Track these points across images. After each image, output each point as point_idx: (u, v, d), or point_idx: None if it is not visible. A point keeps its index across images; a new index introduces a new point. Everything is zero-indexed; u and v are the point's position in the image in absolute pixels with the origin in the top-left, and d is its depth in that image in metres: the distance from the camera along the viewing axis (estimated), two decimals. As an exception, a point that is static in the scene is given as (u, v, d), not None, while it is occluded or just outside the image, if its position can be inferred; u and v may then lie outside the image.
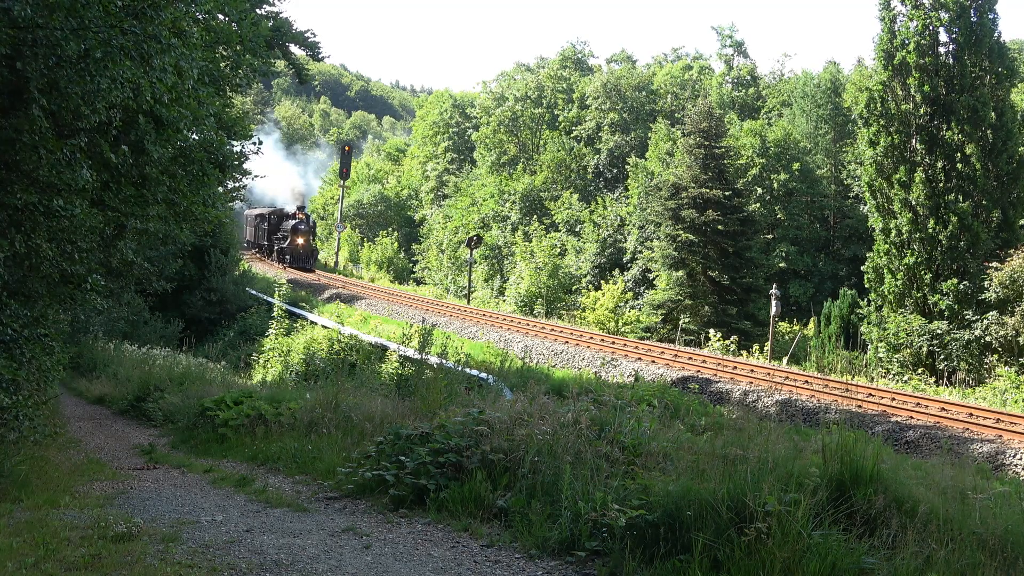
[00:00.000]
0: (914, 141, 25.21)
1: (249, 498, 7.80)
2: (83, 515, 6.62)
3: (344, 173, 59.58)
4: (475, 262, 45.44)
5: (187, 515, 6.92)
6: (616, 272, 39.72)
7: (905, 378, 22.55)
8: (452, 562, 5.56)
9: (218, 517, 6.87)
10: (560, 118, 57.67)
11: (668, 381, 17.29)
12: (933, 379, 22.99)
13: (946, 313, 23.74)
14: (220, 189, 13.36)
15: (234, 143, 13.89)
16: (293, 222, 49.58)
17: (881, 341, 24.65)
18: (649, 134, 46.83)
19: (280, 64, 23.82)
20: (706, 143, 36.04)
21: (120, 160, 8.07)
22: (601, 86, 54.37)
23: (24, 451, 8.66)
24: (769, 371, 18.69)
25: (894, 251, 25.13)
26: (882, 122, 25.36)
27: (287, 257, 48.71)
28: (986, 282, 23.29)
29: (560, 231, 45.99)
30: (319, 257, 54.79)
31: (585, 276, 41.33)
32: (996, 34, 25.00)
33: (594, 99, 54.59)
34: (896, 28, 25.48)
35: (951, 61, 24.96)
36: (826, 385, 16.68)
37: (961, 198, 23.99)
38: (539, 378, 15.43)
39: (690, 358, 20.61)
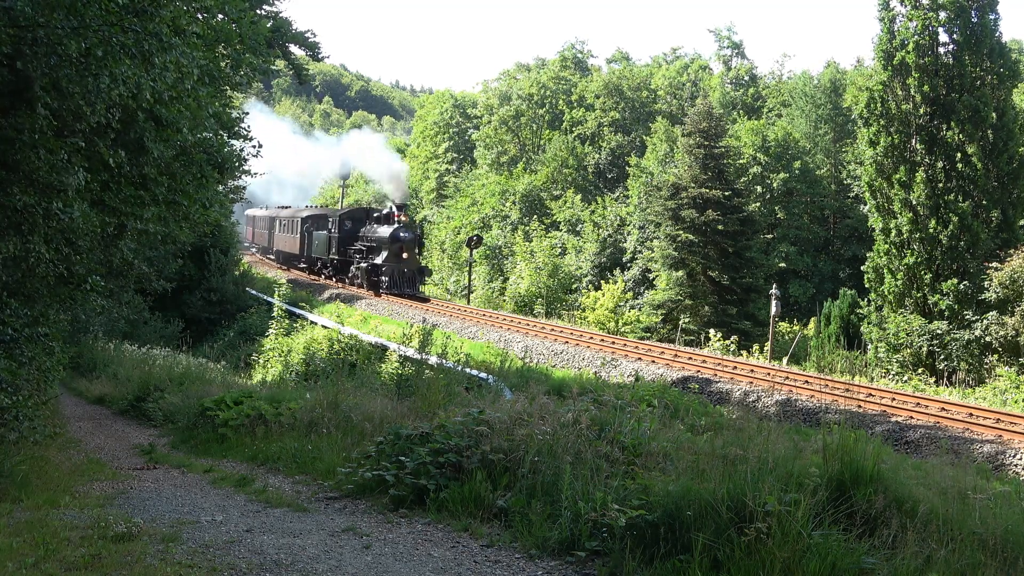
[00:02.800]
0: (914, 141, 25.20)
1: (249, 498, 7.80)
2: (83, 515, 6.62)
3: (344, 174, 59.80)
4: (475, 262, 45.40)
5: (187, 515, 6.92)
6: (616, 272, 39.73)
7: (905, 378, 22.54)
8: (452, 562, 5.56)
9: (218, 517, 6.87)
10: (565, 117, 57.63)
11: (668, 381, 17.29)
12: (933, 379, 22.98)
13: (946, 313, 23.73)
14: (220, 189, 13.36)
15: (234, 142, 13.90)
16: (391, 228, 33.31)
17: (881, 341, 24.65)
18: (648, 134, 46.86)
19: (280, 64, 23.81)
20: (706, 143, 36.06)
21: (118, 161, 8.07)
22: (603, 85, 54.42)
23: (24, 451, 8.67)
24: (769, 371, 18.68)
25: (894, 251, 25.13)
26: (882, 122, 25.36)
27: (383, 278, 33.15)
28: (986, 282, 23.29)
29: (561, 231, 45.98)
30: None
31: (585, 276, 41.33)
32: (997, 34, 24.99)
33: (595, 98, 54.62)
34: (895, 28, 25.48)
35: (951, 61, 24.97)
36: (826, 385, 16.68)
37: (961, 198, 23.99)
38: (539, 378, 15.44)
39: (690, 358, 20.61)
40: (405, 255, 33.21)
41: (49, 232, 7.77)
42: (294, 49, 22.22)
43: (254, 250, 58.09)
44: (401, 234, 33.19)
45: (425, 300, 33.27)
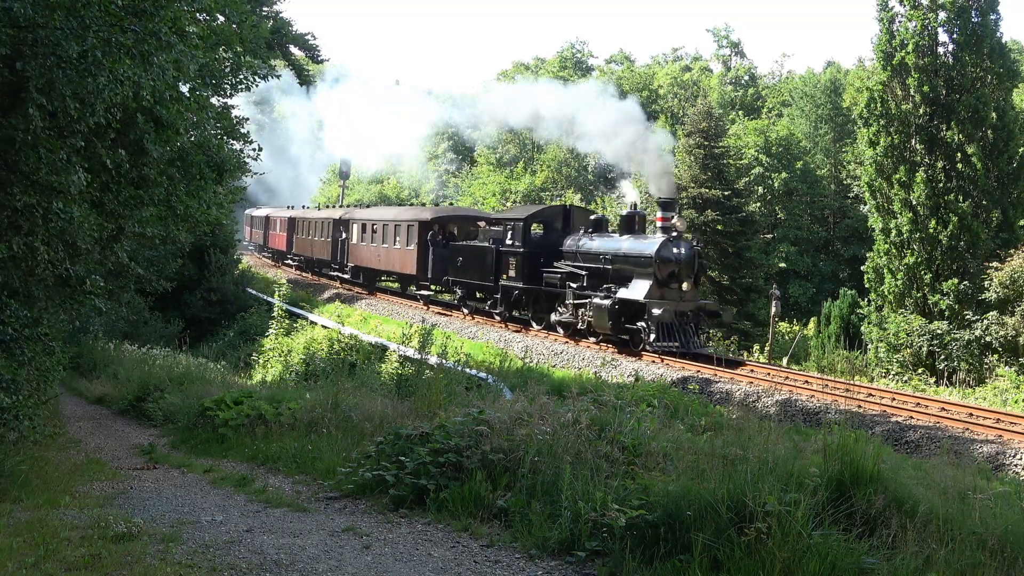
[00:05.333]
0: (914, 141, 25.21)
1: (249, 498, 7.81)
2: (83, 515, 6.62)
3: (344, 173, 59.48)
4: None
5: (187, 515, 6.93)
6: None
7: (905, 378, 22.55)
8: (452, 562, 5.56)
9: (218, 517, 6.87)
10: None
11: (668, 381, 17.28)
12: (933, 379, 22.99)
13: (946, 313, 23.74)
14: (219, 190, 13.37)
15: (233, 143, 13.92)
16: (655, 241, 19.79)
17: (881, 341, 24.66)
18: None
19: (280, 64, 23.82)
20: (706, 143, 36.11)
21: (117, 162, 8.08)
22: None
23: (24, 451, 8.67)
24: (769, 371, 18.67)
25: (894, 251, 25.14)
26: (882, 122, 25.37)
27: (646, 326, 19.26)
28: (986, 282, 23.30)
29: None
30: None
31: (585, 276, 41.25)
32: (998, 34, 25.02)
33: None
34: (895, 28, 25.51)
35: (951, 61, 24.99)
36: (826, 385, 16.66)
37: (961, 198, 24.01)
38: (539, 378, 15.43)
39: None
40: (684, 286, 19.57)
41: (49, 233, 7.78)
42: (294, 50, 22.23)
43: (294, 264, 45.50)
44: (675, 251, 19.45)
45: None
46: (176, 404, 14.23)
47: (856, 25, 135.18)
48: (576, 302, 21.63)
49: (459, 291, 27.31)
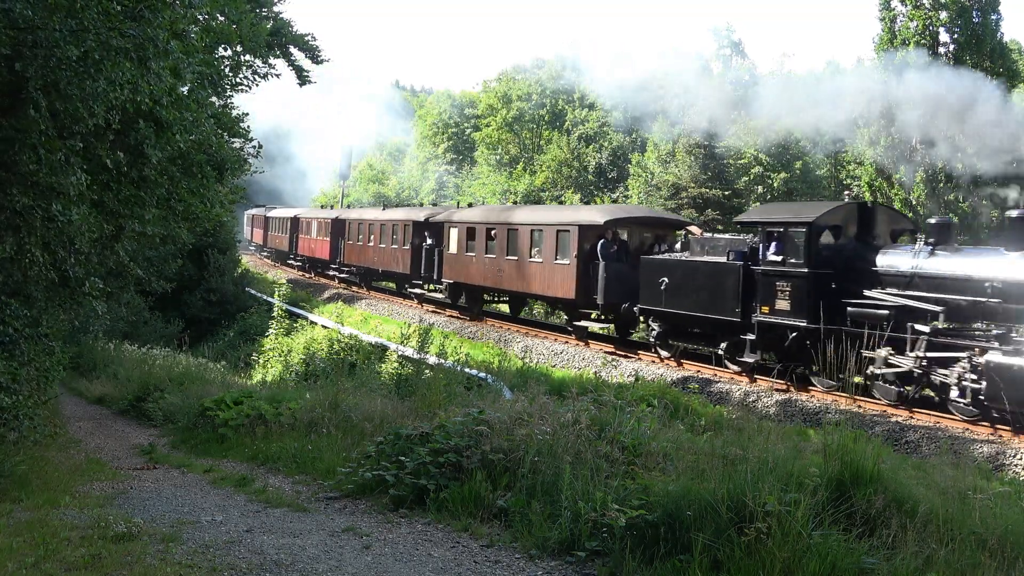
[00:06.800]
0: (914, 141, 25.23)
1: (249, 498, 7.81)
2: (83, 515, 6.62)
3: (344, 173, 59.50)
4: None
5: (187, 515, 6.93)
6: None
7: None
8: (452, 562, 5.56)
9: (218, 517, 6.87)
10: (568, 116, 57.63)
11: (668, 381, 17.27)
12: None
13: (946, 313, 23.76)
14: (220, 188, 13.38)
15: (234, 141, 13.93)
16: None
17: (881, 341, 24.67)
18: (650, 133, 46.90)
19: (279, 64, 23.79)
20: (706, 143, 36.13)
21: (116, 162, 8.08)
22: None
23: (24, 451, 8.68)
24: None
25: (894, 251, 25.17)
26: (882, 121, 25.40)
27: None
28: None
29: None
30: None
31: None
32: (999, 35, 25.08)
33: (597, 98, 54.61)
34: (896, 28, 25.56)
35: (952, 61, 25.02)
36: (827, 385, 16.58)
37: (961, 198, 24.05)
38: (539, 378, 15.43)
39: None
40: None
41: (47, 236, 7.78)
42: (293, 50, 22.21)
43: (342, 275, 37.93)
44: None
45: None
46: (176, 404, 14.25)
47: (856, 25, 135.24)
48: (929, 355, 13.87)
49: (655, 325, 18.98)
